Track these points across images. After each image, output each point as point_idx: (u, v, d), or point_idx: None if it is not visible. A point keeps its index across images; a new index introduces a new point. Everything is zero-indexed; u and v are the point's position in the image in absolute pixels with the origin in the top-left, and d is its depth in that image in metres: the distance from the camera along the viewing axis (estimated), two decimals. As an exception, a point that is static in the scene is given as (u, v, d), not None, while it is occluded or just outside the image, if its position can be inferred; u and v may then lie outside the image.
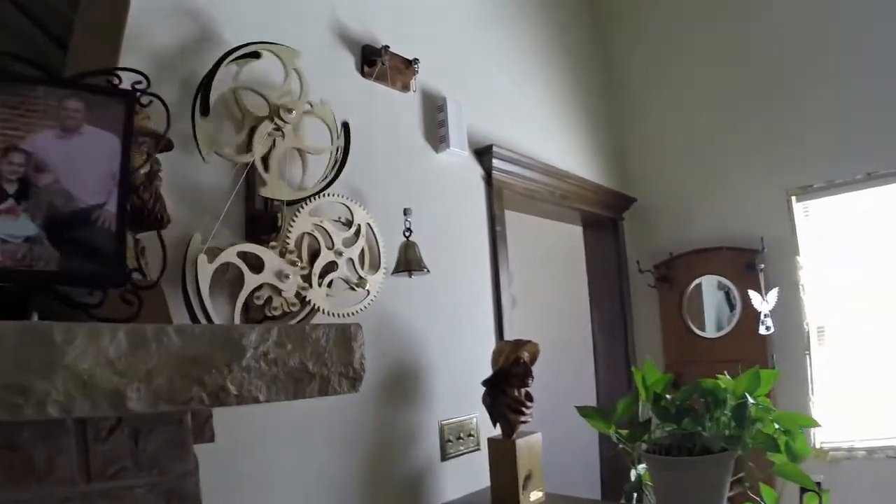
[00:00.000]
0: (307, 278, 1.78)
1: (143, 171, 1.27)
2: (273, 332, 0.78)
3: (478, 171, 2.67)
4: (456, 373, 2.35)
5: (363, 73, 2.21)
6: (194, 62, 1.71)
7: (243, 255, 1.64)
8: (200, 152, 1.59)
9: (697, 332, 3.51)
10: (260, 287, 1.67)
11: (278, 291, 1.69)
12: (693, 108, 3.70)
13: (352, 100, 2.08)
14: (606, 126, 3.85)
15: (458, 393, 2.33)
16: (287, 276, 1.68)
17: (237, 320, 1.59)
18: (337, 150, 1.94)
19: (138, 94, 0.91)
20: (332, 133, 1.93)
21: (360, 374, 0.92)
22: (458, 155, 2.51)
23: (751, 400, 1.93)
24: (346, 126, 1.95)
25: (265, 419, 1.69)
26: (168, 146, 1.36)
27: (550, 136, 3.26)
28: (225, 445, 1.38)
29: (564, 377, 3.76)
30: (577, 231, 3.76)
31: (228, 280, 1.66)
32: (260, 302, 1.67)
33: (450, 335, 2.36)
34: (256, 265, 1.66)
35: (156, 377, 0.68)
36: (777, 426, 1.93)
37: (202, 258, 1.54)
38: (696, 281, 3.54)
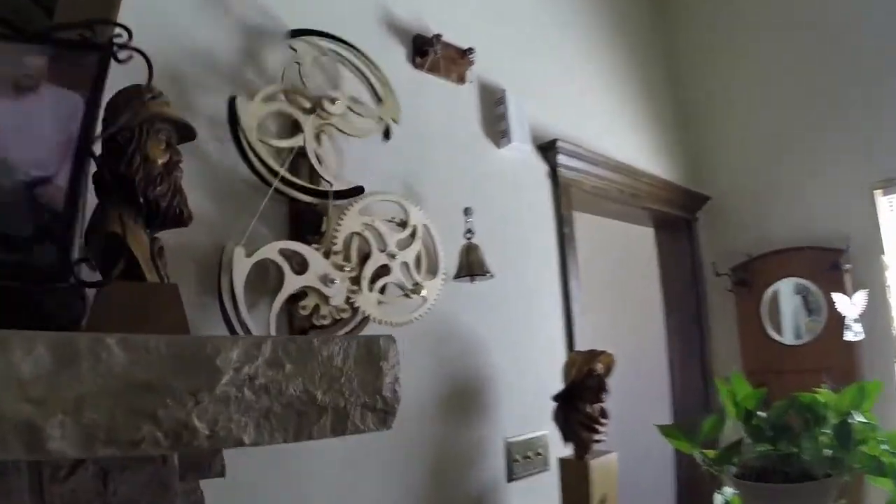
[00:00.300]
0: (356, 281, 1.56)
1: (160, 161, 1.08)
2: (265, 347, 0.55)
3: (542, 167, 2.40)
4: (523, 386, 2.08)
5: (415, 64, 1.99)
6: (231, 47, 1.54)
7: (285, 256, 1.44)
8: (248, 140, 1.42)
9: (778, 339, 3.13)
10: (305, 295, 1.46)
11: (325, 299, 1.48)
12: (768, 99, 3.33)
13: (404, 92, 1.85)
14: (674, 120, 3.50)
15: (525, 408, 2.06)
16: (333, 281, 1.46)
17: (273, 327, 1.37)
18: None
19: (115, 48, 0.70)
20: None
21: (391, 404, 0.66)
22: (520, 150, 2.26)
23: (857, 417, 1.65)
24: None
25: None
26: (190, 135, 1.17)
27: (616, 130, 2.95)
28: (243, 479, 1.17)
29: (634, 389, 3.38)
30: (643, 232, 3.44)
31: (271, 288, 1.45)
32: (306, 312, 1.46)
33: (516, 345, 2.10)
34: (299, 269, 1.45)
35: (88, 408, 0.46)
36: (886, 447, 1.64)
37: (239, 251, 1.34)
38: (776, 284, 3.17)
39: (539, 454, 2.07)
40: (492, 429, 1.96)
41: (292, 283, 1.42)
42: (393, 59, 1.93)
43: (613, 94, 3.02)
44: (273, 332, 1.36)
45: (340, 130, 1.63)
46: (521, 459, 2.00)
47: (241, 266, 1.34)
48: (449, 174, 2.01)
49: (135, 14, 1.16)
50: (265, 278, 1.45)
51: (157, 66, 1.46)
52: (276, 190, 1.47)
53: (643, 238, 3.45)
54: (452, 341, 1.90)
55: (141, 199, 1.04)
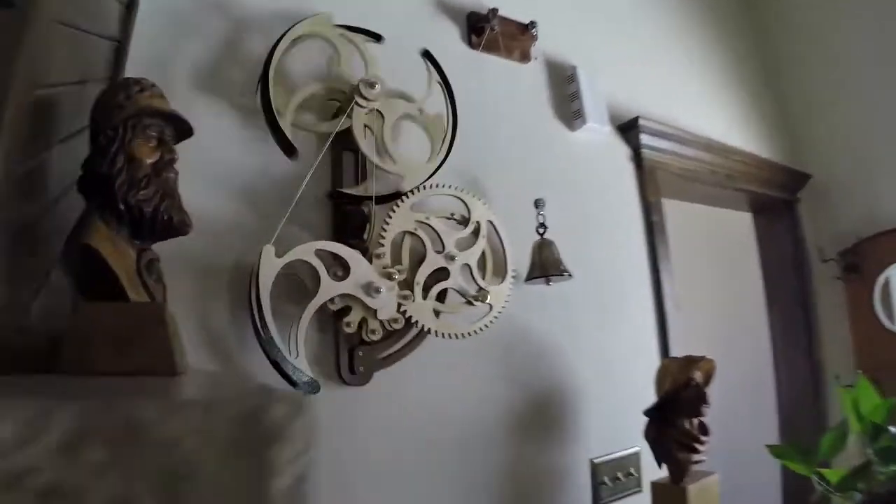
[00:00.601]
0: (409, 285, 1.30)
1: (148, 161, 0.87)
2: (58, 417, 0.24)
3: (623, 149, 2.05)
4: (610, 398, 1.74)
5: (471, 44, 1.71)
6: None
7: (326, 263, 1.20)
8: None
9: (893, 328, 2.63)
10: (348, 310, 1.21)
11: (372, 312, 1.23)
12: (871, 64, 2.79)
13: (461, 75, 1.57)
14: (767, 92, 3.01)
15: (613, 423, 1.72)
16: (378, 290, 1.20)
17: (300, 344, 1.12)
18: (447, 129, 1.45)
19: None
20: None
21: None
22: (597, 132, 1.92)
23: None
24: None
25: (348, 456, 1.24)
26: (187, 132, 0.95)
27: (703, 105, 2.53)
28: None
29: (733, 393, 2.87)
30: (738, 217, 3.00)
31: (309, 297, 1.20)
32: (351, 329, 1.21)
33: (601, 352, 1.76)
34: (341, 277, 1.21)
35: None
36: None
37: (268, 250, 1.12)
38: (890, 268, 2.67)
39: (631, 474, 1.73)
40: (575, 447, 1.64)
41: (329, 289, 1.17)
42: (446, 40, 1.67)
43: (698, 66, 2.61)
44: (301, 349, 1.11)
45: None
46: (610, 482, 1.67)
47: (270, 267, 1.11)
48: (516, 162, 1.71)
49: None
50: (303, 287, 1.21)
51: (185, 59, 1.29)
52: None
53: (737, 223, 3.01)
54: (525, 349, 1.60)
55: (121, 206, 0.82)
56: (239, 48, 1.32)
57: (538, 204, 1.60)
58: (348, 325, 1.21)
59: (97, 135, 0.87)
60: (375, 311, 1.22)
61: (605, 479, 1.66)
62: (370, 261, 1.24)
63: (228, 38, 1.31)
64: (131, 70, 1.18)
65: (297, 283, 1.21)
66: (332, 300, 1.19)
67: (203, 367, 1.13)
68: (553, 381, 1.63)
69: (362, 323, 1.24)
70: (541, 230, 1.59)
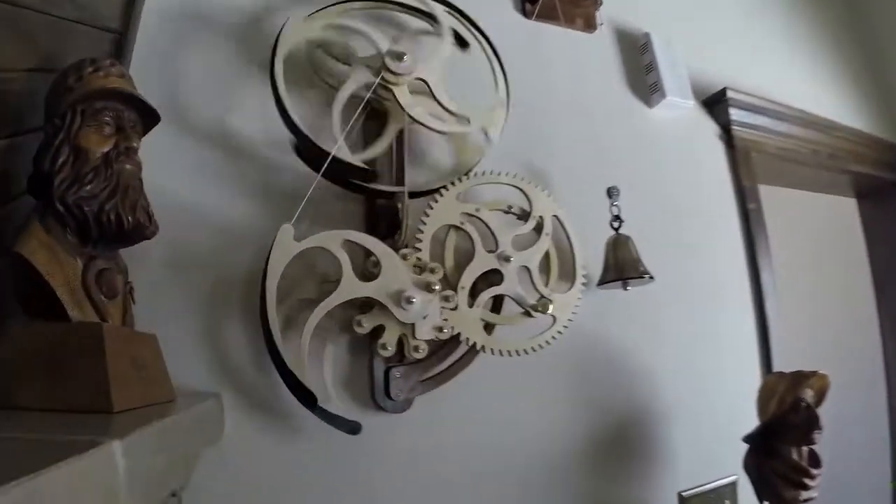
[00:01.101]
0: (451, 289, 1.06)
1: (99, 151, 0.66)
2: None
3: (710, 127, 1.72)
4: (701, 422, 1.42)
5: (525, 13, 1.45)
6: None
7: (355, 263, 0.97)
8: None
9: None
10: (382, 331, 0.98)
11: (410, 328, 0.99)
12: None
13: (514, 48, 1.31)
14: (865, 52, 2.53)
15: (705, 451, 1.41)
16: (410, 301, 0.96)
17: (305, 350, 0.88)
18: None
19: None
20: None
21: None
22: (678, 107, 1.60)
23: None
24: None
25: (385, 495, 1.00)
26: (152, 117, 0.75)
27: (795, 74, 2.13)
28: None
29: (838, 410, 2.31)
30: (839, 203, 2.56)
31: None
32: (388, 353, 0.98)
33: (690, 368, 1.45)
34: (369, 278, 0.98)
35: None
36: None
37: (286, 230, 0.90)
38: None
39: (728, 509, 1.42)
40: (659, 479, 1.34)
41: (349, 289, 0.93)
42: (497, 9, 1.42)
43: (788, 29, 2.21)
44: (306, 356, 0.88)
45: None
46: (704, 518, 1.37)
47: (284, 250, 0.89)
48: (584, 145, 1.44)
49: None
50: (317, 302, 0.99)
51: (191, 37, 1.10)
52: (332, 180, 1.01)
53: (840, 210, 2.58)
54: (599, 365, 1.32)
55: (58, 206, 0.62)
56: (255, 36, 1.13)
57: (611, 193, 1.33)
58: (384, 346, 0.97)
59: (46, 125, 0.68)
60: (413, 326, 0.98)
61: (698, 515, 1.36)
62: (404, 258, 1.00)
63: (243, 26, 1.13)
64: (138, 63, 1.02)
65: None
66: (359, 324, 0.96)
67: (209, 389, 0.94)
68: (633, 402, 1.34)
69: (402, 340, 1.00)
70: (615, 224, 1.31)
